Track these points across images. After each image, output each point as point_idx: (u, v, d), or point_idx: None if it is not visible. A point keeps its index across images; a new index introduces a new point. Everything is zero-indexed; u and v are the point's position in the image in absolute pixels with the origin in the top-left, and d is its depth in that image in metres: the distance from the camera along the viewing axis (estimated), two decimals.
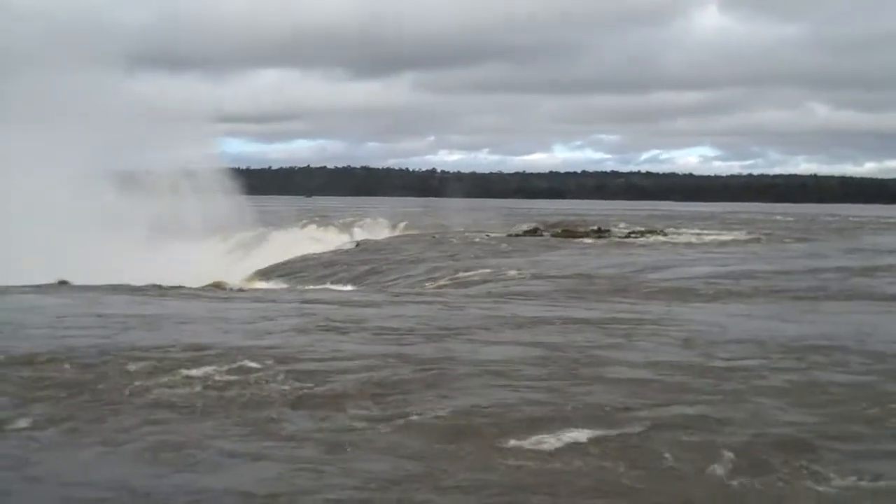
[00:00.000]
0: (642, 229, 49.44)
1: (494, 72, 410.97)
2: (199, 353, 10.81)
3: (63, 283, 19.17)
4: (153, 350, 10.96)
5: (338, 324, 13.59)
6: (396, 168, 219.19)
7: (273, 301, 17.28)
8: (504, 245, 36.78)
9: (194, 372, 9.91)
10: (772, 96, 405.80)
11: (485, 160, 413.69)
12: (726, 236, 43.54)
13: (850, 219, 68.06)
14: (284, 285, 26.97)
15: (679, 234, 46.69)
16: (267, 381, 9.59)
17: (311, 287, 24.45)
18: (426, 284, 23.57)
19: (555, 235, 44.27)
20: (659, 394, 9.19)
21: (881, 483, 6.76)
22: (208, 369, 10.03)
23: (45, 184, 40.08)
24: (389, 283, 24.99)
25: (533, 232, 47.07)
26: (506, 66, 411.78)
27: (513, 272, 23.80)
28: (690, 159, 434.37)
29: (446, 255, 31.44)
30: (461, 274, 24.51)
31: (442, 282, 23.56)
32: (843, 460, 7.22)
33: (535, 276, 22.73)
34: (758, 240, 40.90)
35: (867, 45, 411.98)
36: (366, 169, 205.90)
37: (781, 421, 8.32)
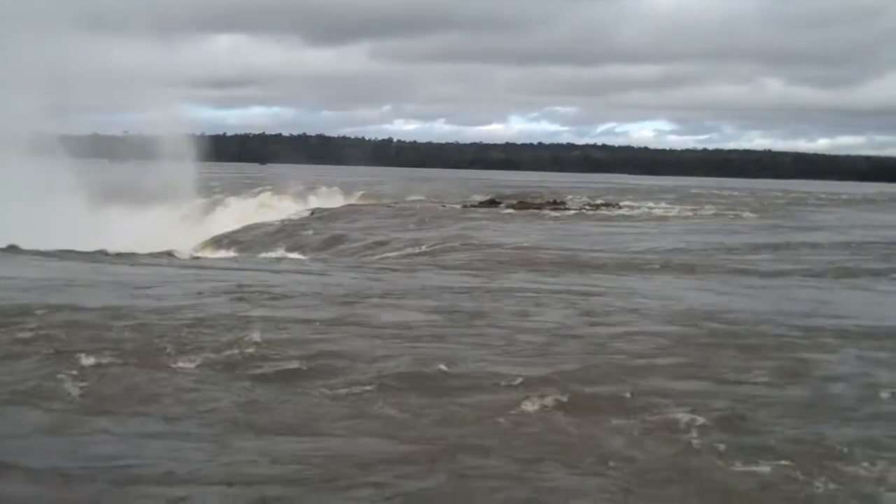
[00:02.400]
0: (598, 202, 49.82)
1: (451, 41, 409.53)
2: (66, 314, 11.27)
3: (13, 247, 19.14)
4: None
5: (251, 290, 13.96)
6: (352, 136, 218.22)
7: (206, 268, 17.60)
8: (457, 216, 36.98)
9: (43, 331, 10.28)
10: (727, 71, 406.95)
11: (441, 130, 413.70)
12: (675, 210, 44.01)
13: (811, 196, 68.69)
14: (235, 253, 27.06)
15: (632, 207, 47.09)
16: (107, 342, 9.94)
17: (261, 255, 24.62)
18: (370, 253, 23.86)
19: (511, 207, 44.43)
20: (506, 355, 9.97)
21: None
22: (59, 329, 10.41)
23: None
24: (337, 252, 25.19)
25: (489, 203, 47.14)
26: (462, 35, 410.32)
27: (457, 243, 24.17)
28: (645, 133, 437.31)
29: (397, 225, 31.64)
30: (409, 243, 24.83)
31: (387, 251, 23.84)
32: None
33: (477, 247, 23.17)
34: (706, 214, 41.45)
35: (822, 22, 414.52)
36: (321, 137, 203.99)
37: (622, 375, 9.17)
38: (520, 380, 8.76)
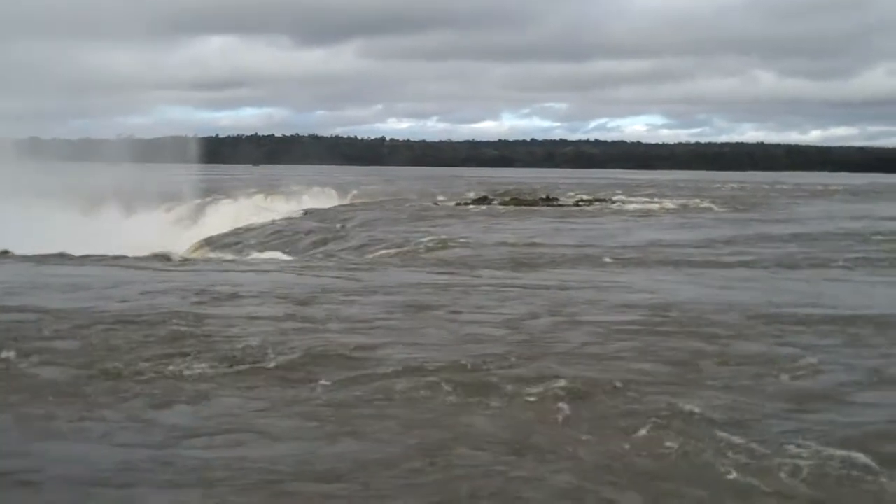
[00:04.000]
0: (590, 198, 50.00)
1: (441, 39, 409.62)
2: None
3: (4, 252, 19.31)
4: None
5: (219, 289, 14.34)
6: (345, 136, 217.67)
7: (183, 270, 17.90)
8: (448, 214, 37.16)
9: None
10: (718, 64, 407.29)
11: (433, 128, 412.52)
12: (662, 206, 44.23)
13: (798, 188, 69.02)
14: (224, 255, 27.18)
15: (625, 202, 47.35)
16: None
17: (250, 256, 24.77)
18: (358, 252, 24.09)
19: (504, 203, 44.57)
20: (437, 344, 10.44)
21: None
22: None
23: None
24: (326, 252, 25.40)
25: (482, 200, 47.24)
26: (452, 33, 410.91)
27: (445, 241, 24.39)
28: (638, 127, 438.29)
29: (388, 224, 31.75)
30: (398, 242, 25.05)
31: (375, 250, 24.02)
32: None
33: (463, 245, 23.51)
34: (690, 208, 41.79)
35: (812, 13, 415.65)
36: (314, 137, 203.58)
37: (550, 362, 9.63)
38: (434, 366, 9.26)
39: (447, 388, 8.50)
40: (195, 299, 13.33)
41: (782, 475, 6.52)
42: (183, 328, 10.98)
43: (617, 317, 12.29)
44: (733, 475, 6.52)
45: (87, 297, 13.48)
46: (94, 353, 9.76)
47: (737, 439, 7.16)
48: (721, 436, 7.24)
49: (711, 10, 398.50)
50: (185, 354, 9.68)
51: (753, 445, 7.03)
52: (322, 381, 8.78)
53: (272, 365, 9.34)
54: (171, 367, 9.21)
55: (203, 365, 9.32)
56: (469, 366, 9.28)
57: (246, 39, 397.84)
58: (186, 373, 9.05)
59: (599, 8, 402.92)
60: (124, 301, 13.10)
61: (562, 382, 8.63)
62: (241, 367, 9.24)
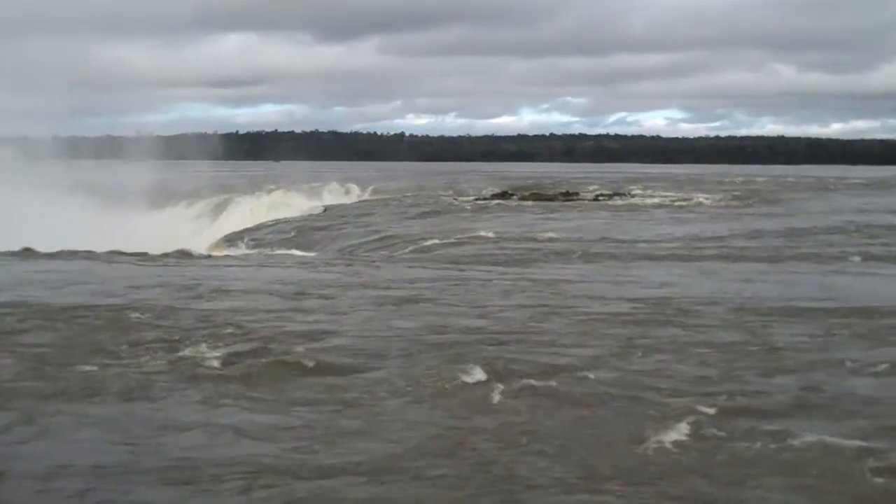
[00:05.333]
0: (609, 192, 49.87)
1: (459, 34, 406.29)
2: None
3: (27, 250, 19.47)
4: None
5: (232, 283, 14.77)
6: (364, 132, 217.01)
7: (191, 265, 18.27)
8: (467, 210, 37.19)
9: None
10: (737, 58, 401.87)
11: (452, 124, 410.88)
12: (685, 199, 44.03)
13: (823, 180, 68.69)
14: (245, 251, 27.33)
15: (643, 196, 47.23)
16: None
17: (266, 253, 24.92)
18: (374, 249, 24.31)
19: (524, 199, 44.49)
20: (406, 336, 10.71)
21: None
22: None
23: (8, 152, 40.10)
24: (342, 249, 25.56)
25: (502, 195, 47.21)
26: (470, 28, 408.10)
27: (460, 237, 24.60)
28: (657, 121, 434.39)
29: (406, 221, 31.90)
30: (414, 238, 25.28)
31: (390, 246, 24.19)
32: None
33: (476, 241, 23.69)
34: (710, 202, 41.68)
35: (832, 7, 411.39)
36: (333, 133, 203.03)
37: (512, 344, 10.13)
38: (405, 357, 9.63)
39: (409, 379, 8.78)
40: (197, 294, 13.56)
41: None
42: (180, 323, 11.20)
43: (603, 308, 12.50)
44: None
45: (88, 291, 13.70)
46: (78, 347, 9.93)
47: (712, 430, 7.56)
48: (705, 429, 7.62)
49: (730, 4, 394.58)
50: (180, 350, 9.87)
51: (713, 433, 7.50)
52: (300, 375, 8.97)
53: (255, 358, 9.49)
54: (166, 361, 9.43)
55: (189, 359, 9.50)
56: (446, 358, 9.50)
57: (265, 36, 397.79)
58: (178, 368, 9.22)
59: (618, 2, 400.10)
60: (137, 296, 13.26)
61: (527, 371, 8.90)
62: (225, 362, 9.38)
